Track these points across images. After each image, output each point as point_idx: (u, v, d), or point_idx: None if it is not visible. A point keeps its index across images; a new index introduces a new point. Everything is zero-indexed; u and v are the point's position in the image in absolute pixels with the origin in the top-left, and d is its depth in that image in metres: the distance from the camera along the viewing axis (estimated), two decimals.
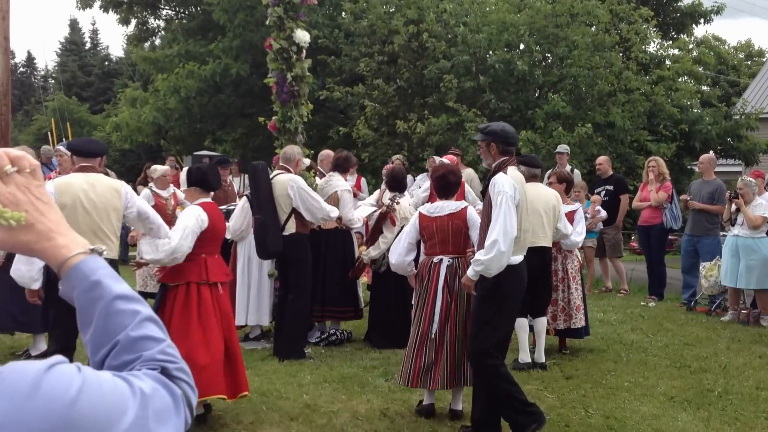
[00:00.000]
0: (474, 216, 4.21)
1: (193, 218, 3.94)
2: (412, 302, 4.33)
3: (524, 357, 5.22)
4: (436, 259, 4.16)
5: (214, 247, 4.12)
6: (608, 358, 5.61)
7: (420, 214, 4.25)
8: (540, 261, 4.95)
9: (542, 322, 5.30)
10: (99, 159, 4.23)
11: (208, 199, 4.15)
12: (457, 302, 4.09)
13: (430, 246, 4.22)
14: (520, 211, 3.67)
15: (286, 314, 5.42)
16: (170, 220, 5.26)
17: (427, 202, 5.88)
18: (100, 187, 4.06)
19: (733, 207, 7.06)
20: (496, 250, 3.52)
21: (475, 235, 4.09)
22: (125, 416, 0.80)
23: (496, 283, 3.64)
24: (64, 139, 14.38)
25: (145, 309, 0.97)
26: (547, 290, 5.34)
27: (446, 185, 4.26)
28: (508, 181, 3.61)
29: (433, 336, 4.04)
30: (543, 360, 5.25)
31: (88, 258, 0.96)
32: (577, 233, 5.50)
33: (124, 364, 0.92)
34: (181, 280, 3.94)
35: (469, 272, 3.70)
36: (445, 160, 6.68)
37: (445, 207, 4.21)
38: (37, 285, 3.97)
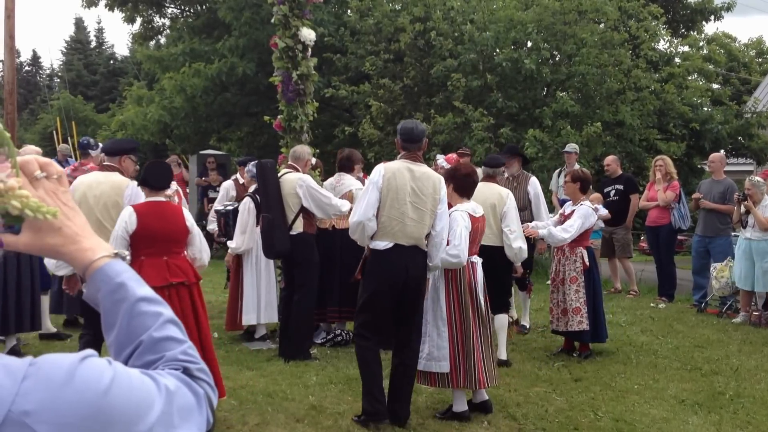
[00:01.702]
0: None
1: (119, 221, 3.86)
2: (443, 308, 4.19)
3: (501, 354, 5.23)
4: (474, 259, 4.24)
5: (156, 248, 3.83)
6: (618, 360, 5.54)
7: (469, 215, 4.20)
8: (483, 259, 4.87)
9: (500, 320, 5.22)
10: (120, 157, 4.41)
11: (158, 198, 3.94)
12: (486, 299, 4.26)
13: (470, 247, 4.20)
14: (389, 197, 3.87)
15: (292, 315, 5.37)
16: None
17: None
18: (106, 184, 4.25)
19: (743, 208, 6.95)
20: (351, 222, 3.98)
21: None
22: (152, 410, 0.83)
23: (366, 264, 4.00)
24: (69, 138, 14.40)
25: (167, 311, 1.00)
26: (500, 288, 5.21)
27: (472, 185, 4.35)
28: (377, 169, 3.99)
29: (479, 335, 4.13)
30: (504, 357, 5.22)
31: (113, 261, 0.99)
32: (564, 228, 5.32)
33: (147, 364, 0.94)
34: None
35: None
36: (445, 162, 6.60)
37: (477, 209, 4.31)
38: (62, 271, 4.13)
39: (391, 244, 3.87)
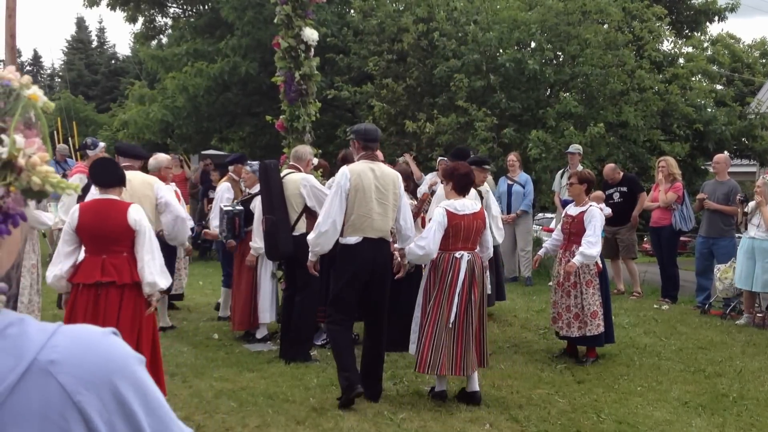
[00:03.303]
0: (486, 216, 4.58)
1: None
2: (420, 295, 4.54)
3: None
4: (457, 255, 4.38)
5: (96, 246, 3.75)
6: (620, 362, 5.51)
7: (447, 211, 4.34)
8: None
9: None
10: (140, 162, 5.09)
11: (108, 196, 3.84)
12: (469, 294, 4.36)
13: (453, 242, 4.38)
14: (357, 197, 4.24)
15: (294, 316, 5.35)
16: None
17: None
18: (135, 180, 4.76)
19: (746, 209, 6.91)
20: (318, 230, 4.29)
21: (486, 234, 4.60)
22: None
23: (336, 258, 4.40)
24: (69, 139, 14.40)
25: None
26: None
27: (468, 183, 4.50)
28: (343, 171, 4.32)
29: (450, 325, 4.29)
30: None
31: None
32: (588, 243, 5.17)
33: None
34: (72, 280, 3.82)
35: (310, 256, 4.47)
36: None
37: (467, 206, 4.41)
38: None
39: (360, 239, 4.27)
